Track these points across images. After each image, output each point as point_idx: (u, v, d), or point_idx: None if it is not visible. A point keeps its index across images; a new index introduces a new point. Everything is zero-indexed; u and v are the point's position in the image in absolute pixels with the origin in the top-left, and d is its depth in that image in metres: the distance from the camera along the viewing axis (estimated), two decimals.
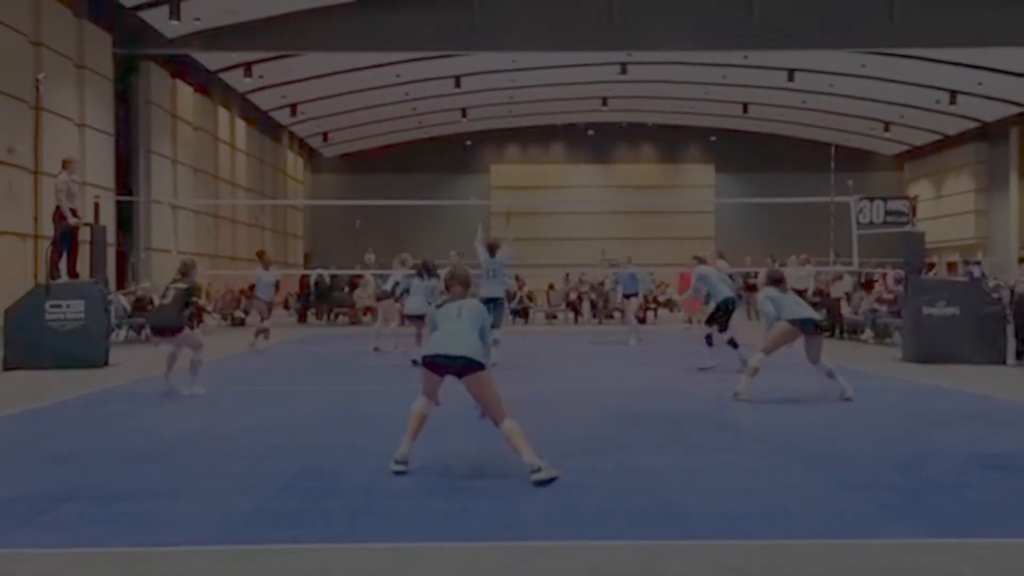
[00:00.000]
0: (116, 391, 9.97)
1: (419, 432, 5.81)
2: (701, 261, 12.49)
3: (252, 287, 15.97)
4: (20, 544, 4.25)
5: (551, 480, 5.30)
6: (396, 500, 5.04)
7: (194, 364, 9.47)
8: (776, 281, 9.35)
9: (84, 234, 13.83)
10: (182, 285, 9.44)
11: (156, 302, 10.51)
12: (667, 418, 8.01)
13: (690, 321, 20.96)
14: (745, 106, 36.44)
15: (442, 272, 11.94)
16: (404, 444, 5.74)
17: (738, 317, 15.23)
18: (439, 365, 5.75)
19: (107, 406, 8.94)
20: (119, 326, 16.98)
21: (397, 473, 5.61)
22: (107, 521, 4.62)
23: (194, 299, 9.64)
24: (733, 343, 11.67)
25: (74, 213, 13.03)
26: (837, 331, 18.09)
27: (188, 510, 4.85)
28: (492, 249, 12.30)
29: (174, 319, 9.32)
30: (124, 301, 18.25)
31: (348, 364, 13.35)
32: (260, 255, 16.04)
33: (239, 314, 24.49)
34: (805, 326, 8.92)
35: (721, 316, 11.82)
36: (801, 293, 19.56)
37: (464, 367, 5.64)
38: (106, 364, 12.30)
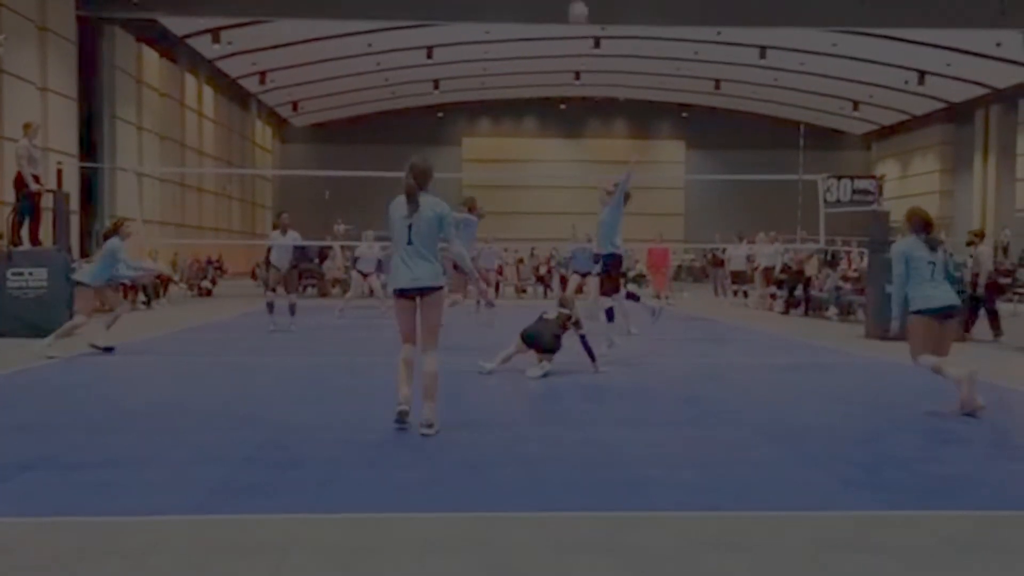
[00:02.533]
0: (78, 360, 9.85)
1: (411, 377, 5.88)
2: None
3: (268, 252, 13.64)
4: None
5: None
6: (362, 471, 5.04)
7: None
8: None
9: (47, 201, 13.58)
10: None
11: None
12: (631, 392, 8.08)
13: (658, 296, 21.08)
14: (717, 83, 36.55)
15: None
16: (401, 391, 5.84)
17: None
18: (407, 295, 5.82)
19: (69, 375, 8.83)
20: None
21: (400, 417, 5.76)
22: (69, 490, 4.58)
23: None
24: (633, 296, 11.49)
25: (36, 179, 12.78)
26: (804, 308, 18.31)
27: (152, 480, 4.81)
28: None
29: None
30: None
31: (316, 335, 13.28)
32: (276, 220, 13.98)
33: (206, 284, 24.25)
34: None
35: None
36: (769, 270, 19.87)
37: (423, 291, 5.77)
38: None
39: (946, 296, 6.96)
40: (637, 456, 5.49)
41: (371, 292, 16.74)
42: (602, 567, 3.59)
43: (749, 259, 21.48)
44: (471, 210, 11.67)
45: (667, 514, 4.30)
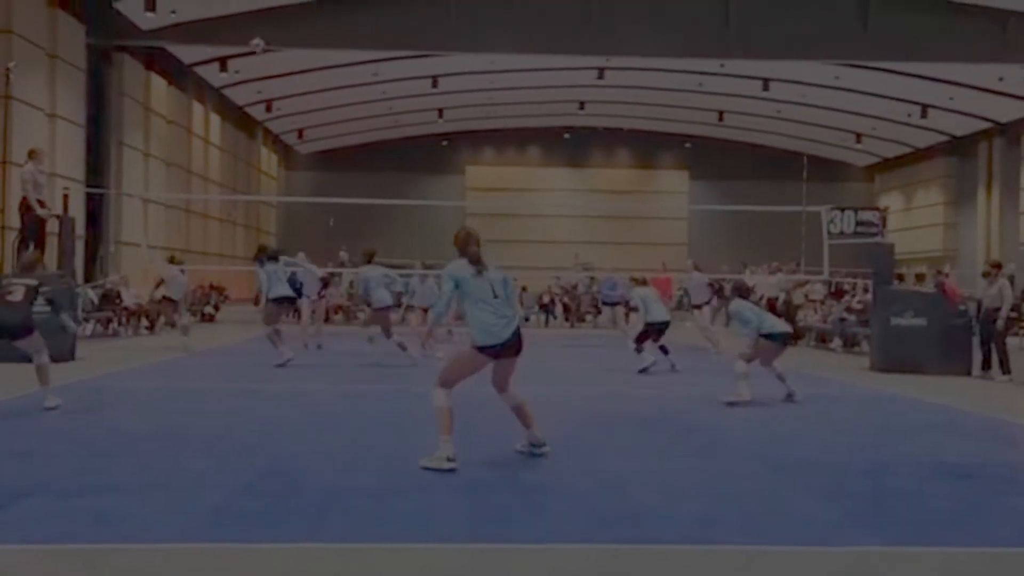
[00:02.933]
0: (81, 386, 9.83)
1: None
2: (640, 283, 12.98)
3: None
4: None
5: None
6: (360, 500, 5.01)
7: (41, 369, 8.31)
8: (743, 293, 9.87)
9: (52, 226, 13.63)
10: (31, 281, 8.43)
11: None
12: (634, 421, 8.04)
13: None
14: (720, 114, 36.73)
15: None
16: (447, 443, 5.73)
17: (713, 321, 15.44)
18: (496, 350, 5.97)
19: (71, 401, 8.81)
20: (86, 320, 16.76)
21: (450, 470, 5.61)
22: (66, 517, 4.56)
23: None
24: (664, 349, 12.39)
25: (42, 204, 12.84)
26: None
27: (150, 507, 4.78)
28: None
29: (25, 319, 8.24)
30: (91, 294, 18.03)
31: (317, 363, 13.26)
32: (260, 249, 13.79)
33: (209, 310, 24.27)
34: (782, 340, 9.33)
35: (650, 335, 12.29)
36: (772, 301, 19.84)
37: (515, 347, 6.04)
38: (72, 358, 12.13)
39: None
40: (638, 487, 5.45)
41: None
42: None
43: (752, 289, 21.46)
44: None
45: (668, 547, 4.26)
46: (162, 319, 19.91)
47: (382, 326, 12.52)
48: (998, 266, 13.33)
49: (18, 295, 8.24)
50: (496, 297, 5.95)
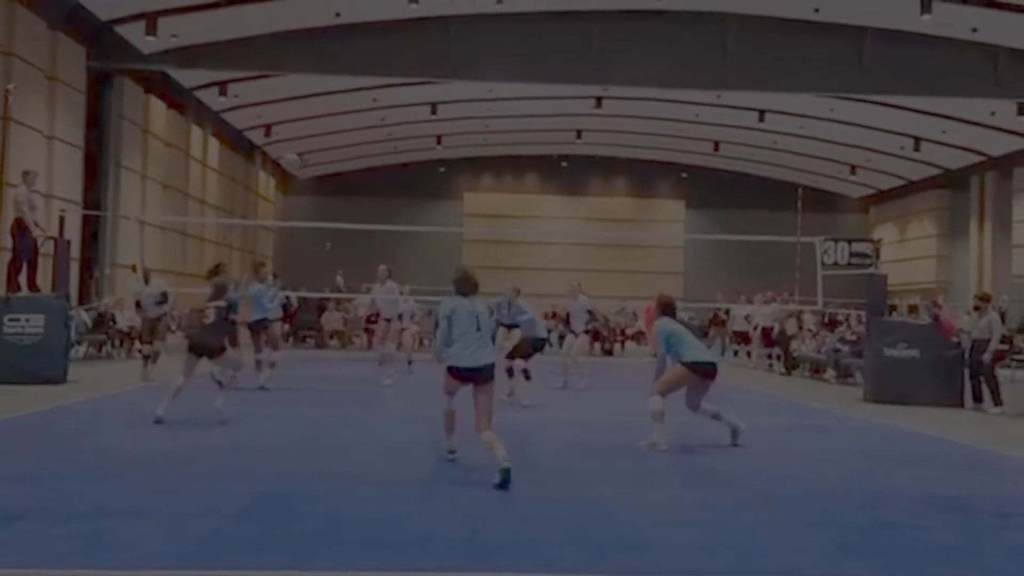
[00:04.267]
0: (74, 408, 9.80)
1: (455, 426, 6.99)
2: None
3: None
4: None
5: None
6: (357, 526, 5.00)
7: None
8: (666, 308, 8.45)
9: (47, 247, 13.62)
10: (221, 304, 9.25)
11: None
12: (627, 451, 8.03)
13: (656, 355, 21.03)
14: (716, 144, 36.98)
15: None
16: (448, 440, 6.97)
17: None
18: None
19: (64, 423, 8.79)
20: (79, 342, 16.71)
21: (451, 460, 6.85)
22: (60, 541, 4.53)
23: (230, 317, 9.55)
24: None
25: (36, 225, 12.84)
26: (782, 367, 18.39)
27: (144, 532, 4.76)
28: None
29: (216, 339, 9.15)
30: (85, 316, 17.99)
31: (314, 387, 13.23)
32: (255, 267, 13.90)
33: None
34: (706, 369, 8.15)
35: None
36: (768, 331, 19.89)
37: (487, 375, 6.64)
38: (65, 380, 12.09)
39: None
40: (634, 516, 5.44)
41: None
42: None
43: (747, 319, 21.52)
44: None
45: None
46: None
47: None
48: (987, 299, 13.44)
49: (211, 317, 9.19)
50: (479, 330, 6.68)
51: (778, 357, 19.15)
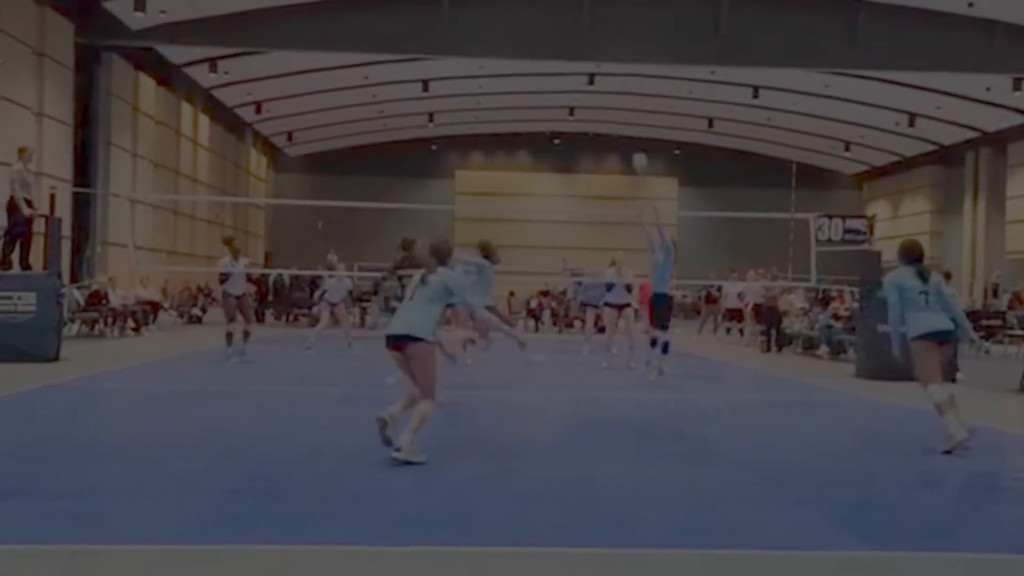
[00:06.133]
0: (65, 386, 9.76)
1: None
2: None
3: (222, 280, 13.20)
4: None
5: (407, 463, 5.70)
6: (348, 504, 4.98)
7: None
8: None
9: (39, 225, 13.53)
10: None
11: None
12: (621, 428, 8.04)
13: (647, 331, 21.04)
14: (710, 121, 36.86)
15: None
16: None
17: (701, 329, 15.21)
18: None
19: (55, 401, 8.75)
20: (71, 320, 16.65)
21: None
22: (49, 519, 4.51)
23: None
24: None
25: (29, 204, 12.75)
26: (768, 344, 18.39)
27: (134, 510, 4.75)
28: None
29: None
30: (77, 295, 17.91)
31: (305, 366, 13.21)
32: (228, 242, 13.87)
33: (196, 312, 24.15)
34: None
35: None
36: (758, 307, 19.88)
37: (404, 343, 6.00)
38: (57, 358, 12.04)
39: (941, 322, 7.08)
40: (626, 493, 5.44)
41: (337, 323, 16.16)
42: None
43: (740, 296, 21.51)
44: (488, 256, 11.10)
45: (655, 551, 4.25)
46: (153, 322, 19.68)
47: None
48: (948, 276, 14.00)
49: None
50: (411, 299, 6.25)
51: (761, 333, 19.13)
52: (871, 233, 15.31)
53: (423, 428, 5.88)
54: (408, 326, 6.02)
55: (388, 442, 5.86)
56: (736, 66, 25.77)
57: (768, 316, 18.56)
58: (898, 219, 40.26)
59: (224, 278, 13.07)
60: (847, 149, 38.96)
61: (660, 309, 11.49)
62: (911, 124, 32.93)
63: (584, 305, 18.08)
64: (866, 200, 42.98)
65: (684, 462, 6.53)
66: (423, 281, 6.18)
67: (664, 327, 11.35)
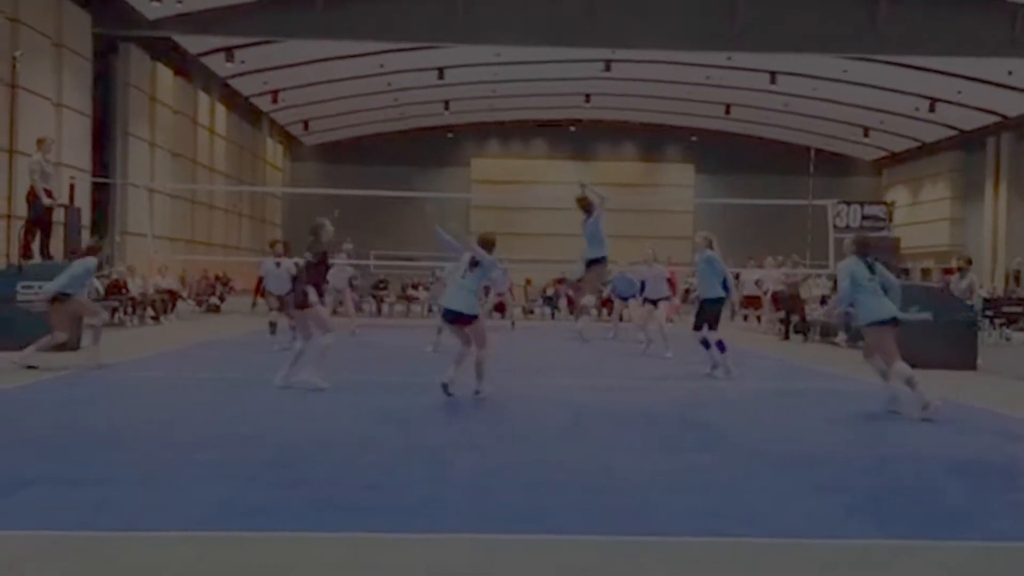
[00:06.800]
0: (85, 375, 9.85)
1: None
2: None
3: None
4: None
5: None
6: (365, 492, 5.01)
7: None
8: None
9: (58, 215, 13.64)
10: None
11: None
12: (637, 416, 8.03)
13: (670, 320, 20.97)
14: (728, 107, 36.57)
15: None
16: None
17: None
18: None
19: (75, 390, 8.84)
20: None
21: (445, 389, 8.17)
22: (69, 507, 4.57)
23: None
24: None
25: (48, 194, 12.85)
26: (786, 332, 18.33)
27: (154, 498, 4.79)
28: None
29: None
30: (97, 284, 18.04)
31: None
32: (272, 245, 14.49)
33: (214, 301, 24.30)
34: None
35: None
36: (777, 295, 19.79)
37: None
38: (77, 347, 12.15)
39: (889, 309, 8.24)
40: (642, 481, 5.44)
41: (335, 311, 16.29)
42: None
43: (758, 283, 21.40)
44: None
45: (672, 539, 4.26)
46: (172, 311, 19.81)
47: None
48: (969, 262, 14.33)
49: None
50: (463, 277, 8.46)
51: (780, 321, 19.02)
52: (890, 220, 15.18)
53: (486, 367, 8.35)
54: (467, 305, 8.30)
55: (449, 394, 8.17)
56: (753, 51, 25.54)
57: (789, 303, 18.46)
58: (918, 205, 39.88)
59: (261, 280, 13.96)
60: (866, 135, 38.59)
61: (706, 313, 11.16)
62: (931, 109, 32.54)
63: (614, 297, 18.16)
64: (885, 186, 42.59)
65: (701, 450, 6.52)
66: (473, 264, 8.26)
67: (711, 328, 11.00)
